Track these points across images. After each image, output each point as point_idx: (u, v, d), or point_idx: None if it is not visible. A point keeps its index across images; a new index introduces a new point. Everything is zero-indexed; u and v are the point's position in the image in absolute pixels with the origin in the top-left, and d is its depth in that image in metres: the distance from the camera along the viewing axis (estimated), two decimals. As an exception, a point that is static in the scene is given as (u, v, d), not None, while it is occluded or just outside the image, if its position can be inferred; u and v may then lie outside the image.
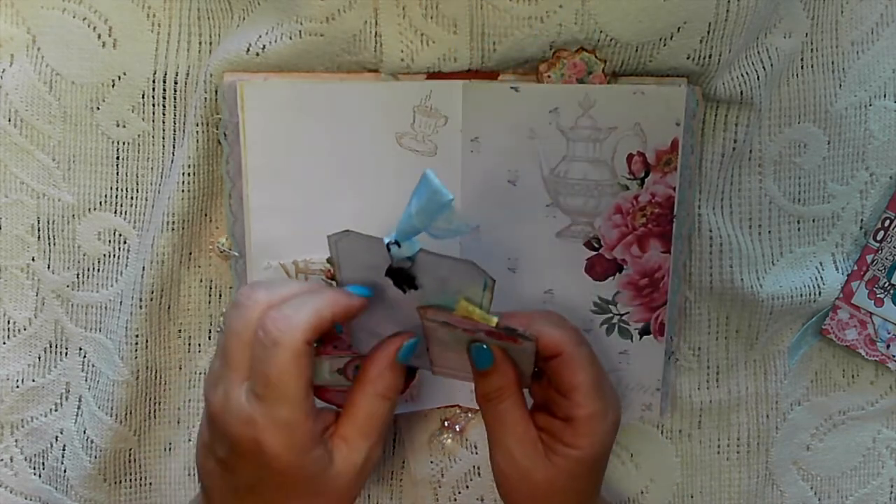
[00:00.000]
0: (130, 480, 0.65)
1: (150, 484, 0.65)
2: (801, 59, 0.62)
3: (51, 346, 0.64)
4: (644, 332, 0.60)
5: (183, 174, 0.59)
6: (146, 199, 0.62)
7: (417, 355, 0.53)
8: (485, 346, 0.51)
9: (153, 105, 0.61)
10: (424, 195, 0.45)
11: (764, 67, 0.60)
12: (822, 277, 0.65)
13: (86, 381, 0.64)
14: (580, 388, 0.51)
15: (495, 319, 0.49)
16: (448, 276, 0.49)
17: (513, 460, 0.52)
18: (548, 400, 0.54)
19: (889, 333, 0.65)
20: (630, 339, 0.60)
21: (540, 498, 0.52)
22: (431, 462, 0.65)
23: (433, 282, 0.50)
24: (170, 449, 0.65)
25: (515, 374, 0.52)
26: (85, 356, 0.64)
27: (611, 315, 0.60)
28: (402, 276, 0.49)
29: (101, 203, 0.62)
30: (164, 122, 0.61)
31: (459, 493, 0.65)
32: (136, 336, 0.61)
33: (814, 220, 0.65)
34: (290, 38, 0.56)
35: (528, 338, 0.50)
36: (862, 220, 0.66)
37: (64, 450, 0.64)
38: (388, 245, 0.48)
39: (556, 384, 0.52)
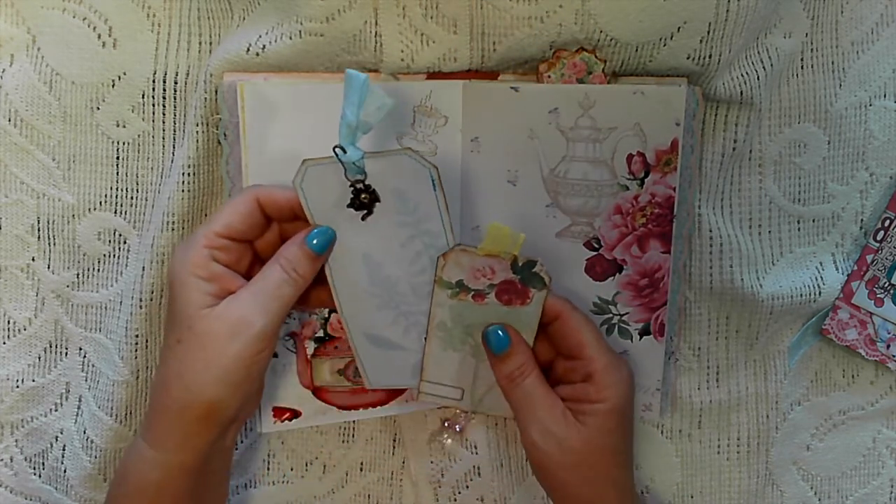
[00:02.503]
0: (130, 480, 0.65)
1: (150, 484, 0.65)
2: (801, 59, 0.62)
3: (51, 346, 0.64)
4: (644, 332, 0.60)
5: (183, 174, 0.59)
6: (146, 199, 0.62)
7: (407, 374, 0.56)
8: (500, 330, 0.54)
9: (153, 105, 0.61)
10: (350, 92, 0.48)
11: (764, 67, 0.60)
12: (822, 277, 0.65)
13: (86, 381, 0.64)
14: (588, 343, 0.54)
15: (522, 236, 0.52)
16: (399, 185, 0.52)
17: (548, 433, 0.53)
18: (560, 372, 0.56)
19: (889, 333, 0.65)
20: (630, 340, 0.60)
21: (582, 464, 0.53)
22: (431, 462, 0.65)
23: (391, 196, 0.52)
24: (170, 449, 0.65)
25: (531, 352, 0.55)
26: (85, 356, 0.64)
27: (611, 315, 0.60)
28: (363, 194, 0.51)
29: (101, 203, 0.62)
30: (164, 122, 0.61)
31: (459, 493, 0.65)
32: (136, 336, 0.61)
33: (814, 220, 0.65)
34: (290, 38, 0.56)
35: (544, 278, 0.53)
36: (862, 220, 0.66)
37: (64, 450, 0.64)
38: (333, 150, 0.50)
39: (564, 347, 0.55)
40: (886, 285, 0.65)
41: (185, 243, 0.52)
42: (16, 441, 0.65)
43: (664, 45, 0.57)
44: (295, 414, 0.62)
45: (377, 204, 0.53)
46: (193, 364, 0.50)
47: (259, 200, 0.53)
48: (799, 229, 0.65)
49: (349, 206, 0.52)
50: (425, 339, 0.57)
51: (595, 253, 0.59)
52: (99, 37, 0.60)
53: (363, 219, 0.53)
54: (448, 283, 0.55)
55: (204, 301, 0.51)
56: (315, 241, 0.53)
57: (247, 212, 0.53)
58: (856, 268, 0.65)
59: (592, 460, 0.53)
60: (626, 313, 0.60)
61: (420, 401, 0.59)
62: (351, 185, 0.52)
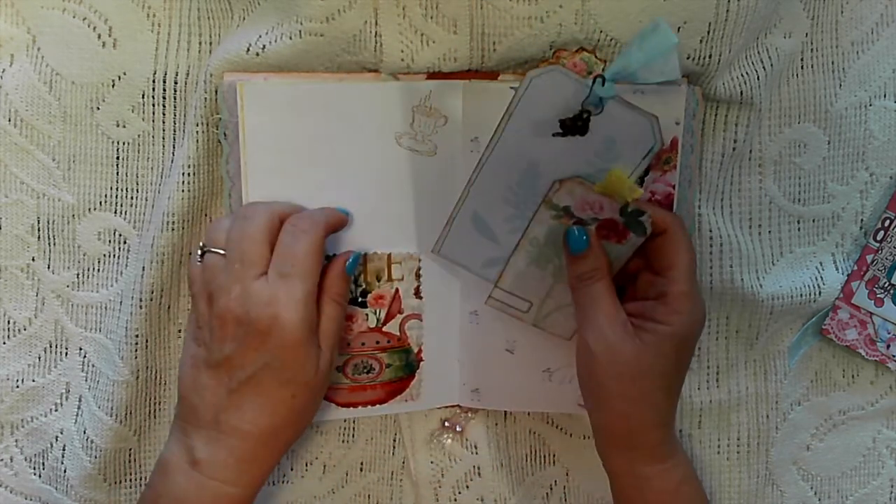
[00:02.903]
0: (130, 480, 0.65)
1: (150, 484, 0.65)
2: (801, 59, 0.62)
3: (51, 346, 0.64)
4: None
5: (183, 174, 0.59)
6: (146, 199, 0.62)
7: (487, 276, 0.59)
8: (581, 231, 0.56)
9: (153, 105, 0.61)
10: (650, 38, 0.50)
11: (764, 67, 0.60)
12: (822, 277, 0.65)
13: (86, 381, 0.64)
14: (679, 265, 0.54)
15: (640, 191, 0.54)
16: (616, 136, 0.54)
17: (603, 337, 0.54)
18: (640, 285, 0.57)
19: (889, 333, 0.65)
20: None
21: (626, 376, 0.53)
22: (431, 462, 0.65)
23: (599, 138, 0.55)
24: (170, 449, 0.65)
25: (607, 259, 0.56)
26: (85, 356, 0.64)
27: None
28: (579, 121, 0.53)
29: (101, 203, 0.62)
30: (164, 122, 0.61)
31: (459, 493, 0.65)
32: (136, 336, 0.61)
33: (814, 220, 0.65)
34: (290, 38, 0.56)
35: (647, 228, 0.55)
36: (862, 220, 0.66)
37: (64, 450, 0.64)
38: (594, 78, 0.53)
39: (656, 262, 0.56)
40: (886, 285, 0.65)
41: (300, 294, 0.52)
42: (16, 441, 0.65)
43: (664, 45, 0.57)
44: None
45: (578, 136, 0.55)
46: (308, 414, 0.56)
47: (326, 236, 0.55)
48: (799, 229, 0.65)
49: (561, 121, 0.54)
50: (514, 248, 0.58)
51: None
52: (99, 37, 0.60)
53: (554, 135, 0.55)
54: (555, 206, 0.56)
55: (316, 357, 0.54)
56: (352, 267, 0.57)
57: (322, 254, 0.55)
58: (856, 268, 0.65)
59: (638, 377, 0.53)
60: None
61: (488, 305, 0.60)
62: (580, 110, 0.54)
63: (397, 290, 0.60)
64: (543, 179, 0.56)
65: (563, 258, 0.58)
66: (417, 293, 0.60)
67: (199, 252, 0.55)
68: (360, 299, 0.60)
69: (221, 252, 0.54)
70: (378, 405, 0.62)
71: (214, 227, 0.55)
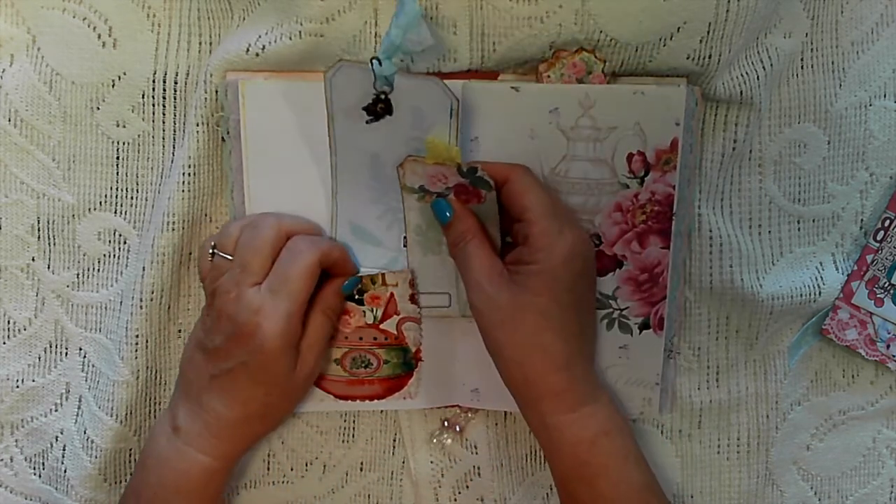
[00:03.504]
0: (130, 480, 0.65)
1: (150, 484, 0.65)
2: (801, 59, 0.62)
3: (51, 346, 0.64)
4: (644, 326, 0.60)
5: (183, 174, 0.59)
6: (146, 199, 0.62)
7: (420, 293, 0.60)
8: (441, 201, 0.57)
9: (153, 105, 0.61)
10: (400, 14, 0.53)
11: (764, 67, 0.60)
12: (822, 277, 0.65)
13: (86, 381, 0.64)
14: (531, 207, 0.55)
15: (457, 149, 0.55)
16: (420, 105, 0.56)
17: (481, 290, 0.55)
18: (513, 236, 0.57)
19: (889, 333, 0.65)
20: (630, 334, 0.61)
21: (507, 322, 0.54)
22: (431, 462, 0.65)
23: (408, 112, 0.56)
24: (170, 449, 0.65)
25: (475, 220, 0.57)
26: (85, 356, 0.64)
27: (611, 310, 0.60)
28: (381, 103, 0.56)
29: (101, 203, 0.62)
30: (164, 122, 0.61)
31: (459, 493, 0.65)
32: (136, 336, 0.61)
33: (814, 220, 0.65)
34: (290, 39, 0.56)
35: (489, 181, 0.55)
36: (862, 220, 0.66)
37: (64, 450, 0.64)
38: (371, 61, 0.55)
39: (512, 211, 0.56)
40: (886, 285, 0.65)
41: (283, 312, 0.55)
42: (16, 441, 0.65)
43: (664, 45, 0.57)
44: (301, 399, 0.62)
45: (389, 116, 0.57)
46: (280, 412, 0.60)
47: (321, 262, 0.57)
48: (799, 229, 0.65)
49: (364, 108, 0.56)
50: (404, 245, 0.59)
51: (595, 249, 0.59)
52: (99, 37, 0.60)
53: (367, 122, 0.57)
54: (412, 189, 0.57)
55: (292, 365, 0.57)
56: (348, 287, 0.59)
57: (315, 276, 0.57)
58: (856, 268, 0.65)
59: (519, 320, 0.54)
60: (626, 308, 0.60)
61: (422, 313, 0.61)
62: (375, 94, 0.56)
63: (392, 294, 0.60)
64: (389, 167, 0.58)
65: None
66: (413, 300, 0.60)
67: (210, 252, 0.58)
68: (356, 297, 0.60)
69: (228, 257, 0.57)
70: (376, 400, 0.62)
71: (225, 231, 0.58)
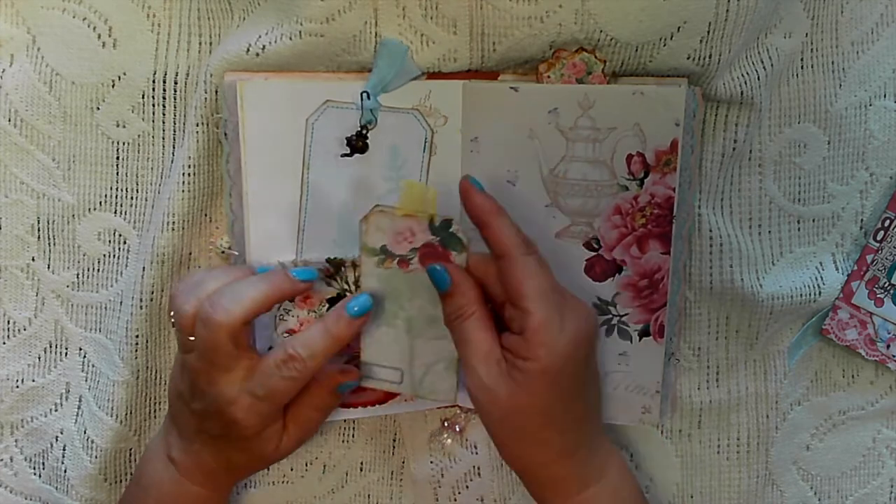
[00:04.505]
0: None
1: (151, 484, 0.65)
2: (801, 59, 0.62)
3: (51, 346, 0.64)
4: (644, 333, 0.60)
5: (183, 174, 0.59)
6: (146, 199, 0.62)
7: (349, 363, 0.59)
8: (440, 266, 0.53)
9: (153, 105, 0.61)
10: (384, 52, 0.55)
11: (764, 67, 0.60)
12: (822, 277, 0.65)
13: (86, 381, 0.64)
14: (527, 295, 0.50)
15: (434, 192, 0.54)
16: (398, 143, 0.57)
17: (479, 381, 0.51)
18: (507, 318, 0.53)
19: (889, 333, 0.65)
20: (630, 341, 0.60)
21: (506, 420, 0.51)
22: (431, 462, 0.65)
23: (387, 151, 0.57)
24: (170, 449, 0.65)
25: (477, 293, 0.53)
26: (85, 356, 0.64)
27: (610, 316, 0.60)
28: (359, 139, 0.57)
29: (101, 203, 0.62)
30: (164, 122, 0.61)
31: (459, 493, 0.65)
32: (136, 336, 0.61)
33: (814, 220, 0.65)
34: (290, 39, 0.56)
35: (462, 239, 0.53)
36: (862, 220, 0.65)
37: (64, 450, 0.64)
38: (361, 94, 0.56)
39: (507, 292, 0.52)
40: (886, 285, 0.65)
41: (264, 416, 0.54)
42: (16, 441, 0.65)
43: (664, 45, 0.57)
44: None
45: (361, 154, 0.57)
46: (264, 466, 0.60)
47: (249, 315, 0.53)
48: (799, 229, 0.65)
49: (346, 139, 0.57)
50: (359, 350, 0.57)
51: (594, 253, 0.59)
52: (99, 37, 0.60)
53: (341, 155, 0.57)
54: (373, 250, 0.55)
55: (277, 440, 0.57)
56: (356, 309, 0.54)
57: None
58: (856, 268, 0.65)
59: (518, 418, 0.51)
60: (626, 314, 0.60)
61: (362, 384, 0.58)
62: (359, 128, 0.57)
63: None
64: (356, 216, 0.55)
65: (406, 307, 0.56)
66: None
67: (171, 320, 0.55)
68: None
69: (189, 339, 0.53)
70: (377, 406, 0.62)
71: (178, 306, 0.54)
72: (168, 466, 0.57)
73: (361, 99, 0.56)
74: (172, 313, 0.54)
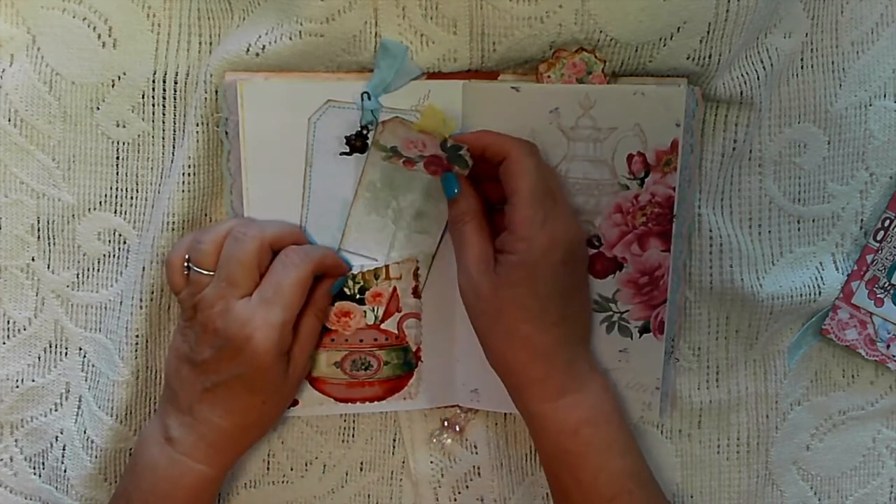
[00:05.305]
0: (130, 480, 0.65)
1: (150, 484, 0.65)
2: (801, 59, 0.62)
3: (51, 346, 0.64)
4: (644, 329, 0.60)
5: (183, 174, 0.59)
6: (146, 199, 0.62)
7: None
8: (453, 176, 0.57)
9: (153, 105, 0.61)
10: (386, 53, 0.56)
11: (764, 67, 0.60)
12: (822, 277, 0.65)
13: (86, 381, 0.64)
14: (519, 190, 0.54)
15: (454, 123, 0.57)
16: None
17: (469, 277, 0.55)
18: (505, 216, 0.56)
19: (889, 333, 0.65)
20: (630, 337, 0.60)
21: (489, 312, 0.54)
22: (431, 462, 0.65)
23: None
24: (170, 449, 0.65)
25: (478, 202, 0.57)
26: (85, 356, 0.64)
27: (611, 313, 0.60)
28: (358, 139, 0.58)
29: (101, 203, 0.62)
30: (164, 122, 0.61)
31: (459, 493, 0.65)
32: (136, 336, 0.61)
33: (814, 220, 0.65)
34: (290, 39, 0.56)
35: (467, 161, 0.56)
36: (862, 220, 0.66)
37: (64, 450, 0.64)
38: (362, 94, 0.57)
39: (505, 190, 0.55)
40: (886, 285, 0.65)
41: (277, 322, 0.55)
42: (16, 441, 0.65)
43: (664, 45, 0.57)
44: (293, 402, 0.62)
45: (360, 154, 0.58)
46: (274, 416, 0.60)
47: (314, 272, 0.57)
48: (799, 229, 0.65)
49: (346, 138, 0.58)
50: (350, 205, 0.59)
51: (595, 251, 0.59)
52: (99, 37, 0.60)
53: (340, 154, 0.58)
54: (383, 147, 0.57)
55: (286, 370, 0.57)
56: (336, 288, 0.59)
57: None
58: (856, 268, 0.65)
59: (499, 311, 0.54)
60: (626, 311, 0.60)
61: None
62: (360, 128, 0.58)
63: (395, 289, 0.60)
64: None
65: (399, 199, 0.59)
66: (416, 293, 0.60)
67: (185, 267, 0.57)
68: (358, 296, 0.60)
69: (205, 272, 0.56)
70: (376, 402, 0.62)
71: (197, 247, 0.57)
72: (164, 449, 0.57)
73: (362, 99, 0.57)
74: (189, 254, 0.57)
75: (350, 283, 0.59)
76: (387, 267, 0.60)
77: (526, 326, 0.54)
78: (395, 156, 0.58)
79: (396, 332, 0.61)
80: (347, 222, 0.59)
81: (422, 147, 0.57)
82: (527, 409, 0.56)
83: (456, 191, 0.57)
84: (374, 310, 0.60)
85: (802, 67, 0.62)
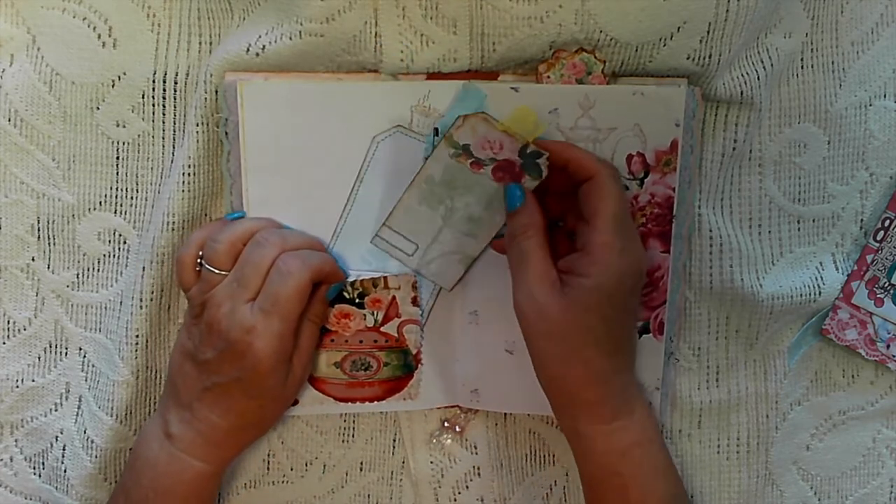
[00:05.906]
0: (130, 480, 0.65)
1: (150, 484, 0.65)
2: (801, 59, 0.62)
3: (51, 346, 0.64)
4: (643, 330, 0.60)
5: (183, 174, 0.59)
6: (146, 199, 0.62)
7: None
8: (518, 188, 0.56)
9: (153, 105, 0.61)
10: (466, 98, 0.57)
11: (764, 67, 0.60)
12: (822, 277, 0.65)
13: (86, 381, 0.64)
14: (602, 214, 0.53)
15: (545, 125, 0.56)
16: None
17: (531, 297, 0.53)
18: (578, 237, 0.55)
19: (889, 333, 0.65)
20: (630, 339, 0.61)
21: (554, 335, 0.53)
22: (431, 462, 0.65)
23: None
24: (170, 449, 0.65)
25: (542, 217, 0.55)
26: (85, 356, 0.64)
27: (610, 314, 0.60)
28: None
29: (101, 203, 0.62)
30: (164, 122, 0.61)
31: (459, 493, 0.65)
32: (137, 336, 0.61)
33: (814, 220, 0.65)
34: (290, 39, 0.56)
35: (543, 170, 0.55)
36: (862, 220, 0.65)
37: (64, 450, 0.64)
38: (433, 129, 0.58)
39: (583, 209, 0.54)
40: (886, 285, 0.65)
41: (276, 332, 0.55)
42: (16, 441, 0.65)
43: (664, 45, 0.57)
44: (293, 402, 0.62)
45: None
46: (273, 418, 0.60)
47: (312, 280, 0.56)
48: (799, 229, 0.65)
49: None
50: (406, 189, 0.58)
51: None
52: (99, 37, 0.60)
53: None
54: (455, 143, 0.57)
55: (285, 377, 0.57)
56: (331, 294, 0.59)
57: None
58: (856, 268, 0.65)
59: (565, 334, 0.53)
60: (626, 312, 0.60)
61: (374, 243, 0.60)
62: (423, 159, 0.58)
63: (394, 297, 0.60)
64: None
65: (455, 199, 0.58)
66: (415, 302, 0.60)
67: (198, 263, 0.57)
68: (357, 301, 0.60)
69: (217, 272, 0.57)
70: (376, 402, 0.62)
71: (213, 245, 0.57)
72: (164, 445, 0.57)
73: (434, 133, 0.57)
74: (202, 251, 0.57)
75: (349, 288, 0.59)
76: (385, 278, 0.60)
77: (591, 350, 0.53)
78: (465, 154, 0.57)
79: (396, 335, 0.61)
80: (397, 203, 0.59)
81: (498, 148, 0.56)
82: (576, 429, 0.55)
83: (519, 203, 0.56)
84: (373, 313, 0.60)
85: (802, 67, 0.62)
